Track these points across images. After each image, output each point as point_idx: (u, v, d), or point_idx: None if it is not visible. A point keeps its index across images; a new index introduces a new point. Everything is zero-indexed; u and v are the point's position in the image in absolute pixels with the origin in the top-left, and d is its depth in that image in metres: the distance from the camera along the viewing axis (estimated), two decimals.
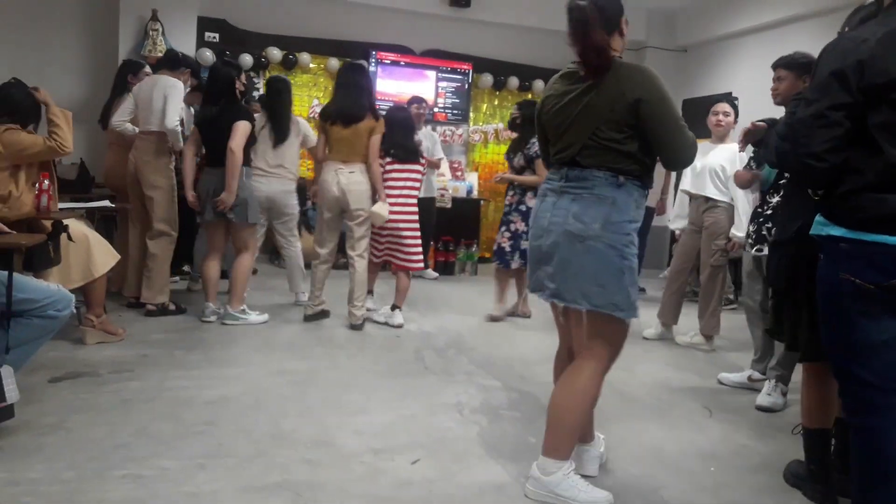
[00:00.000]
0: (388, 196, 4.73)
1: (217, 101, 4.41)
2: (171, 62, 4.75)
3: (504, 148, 8.33)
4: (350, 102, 4.50)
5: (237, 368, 3.57)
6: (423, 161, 4.94)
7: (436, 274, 7.18)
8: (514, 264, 5.07)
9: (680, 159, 2.30)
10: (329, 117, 4.54)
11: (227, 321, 4.48)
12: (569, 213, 2.26)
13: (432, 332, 4.70)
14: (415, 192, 4.85)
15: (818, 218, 2.04)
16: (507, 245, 5.08)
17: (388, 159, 4.80)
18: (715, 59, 8.07)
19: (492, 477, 2.50)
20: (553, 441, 2.32)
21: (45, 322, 2.66)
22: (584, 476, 2.39)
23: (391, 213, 4.68)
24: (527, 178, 5.08)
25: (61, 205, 3.73)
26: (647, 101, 2.18)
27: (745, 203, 4.37)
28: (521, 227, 5.05)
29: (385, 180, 4.72)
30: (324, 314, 4.79)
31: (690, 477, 2.63)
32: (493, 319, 5.14)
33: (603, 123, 2.22)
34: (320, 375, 3.56)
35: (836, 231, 1.95)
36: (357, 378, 3.57)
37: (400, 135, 4.83)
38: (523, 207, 5.05)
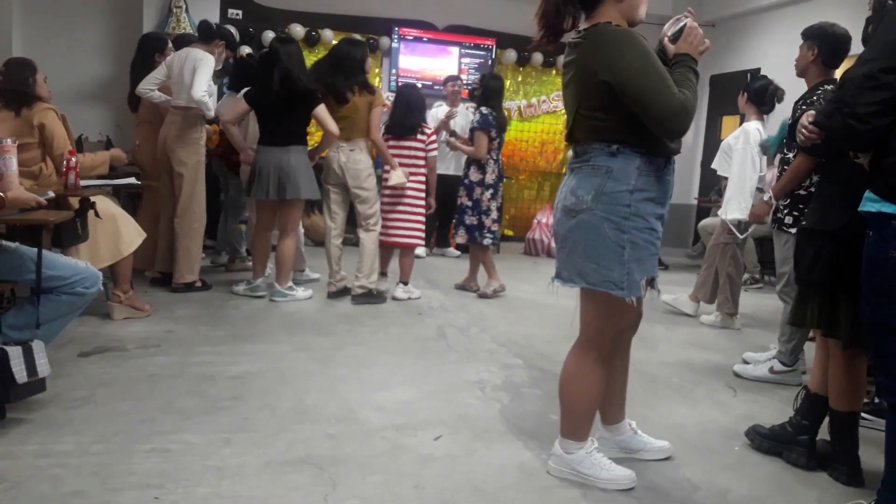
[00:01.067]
0: (386, 172, 4.83)
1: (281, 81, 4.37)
2: (204, 34, 4.68)
3: (527, 125, 8.34)
4: (338, 79, 4.52)
5: (262, 345, 3.61)
6: (424, 136, 4.88)
7: (458, 252, 7.18)
8: (459, 238, 5.16)
9: (665, 129, 2.05)
10: (324, 95, 4.57)
11: (276, 298, 4.56)
12: (568, 188, 2.19)
13: (454, 310, 4.71)
14: (415, 169, 4.84)
15: (868, 194, 1.97)
16: (455, 220, 5.20)
17: (387, 136, 4.85)
18: (744, 34, 7.91)
19: (513, 454, 2.51)
20: (566, 424, 2.32)
21: (73, 298, 2.70)
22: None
23: (386, 188, 4.80)
24: (462, 146, 5.16)
25: (87, 182, 3.77)
26: (615, 83, 2.02)
27: (740, 182, 4.34)
28: (464, 201, 5.13)
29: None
30: (347, 291, 4.80)
31: (713, 456, 2.61)
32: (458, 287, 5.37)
33: (583, 99, 2.13)
34: (343, 352, 3.59)
35: (890, 208, 1.89)
36: (380, 355, 3.59)
37: (399, 111, 4.86)
38: (467, 181, 5.15)
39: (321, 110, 4.39)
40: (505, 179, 7.77)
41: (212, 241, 5.64)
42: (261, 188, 4.47)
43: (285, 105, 4.38)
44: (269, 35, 7.10)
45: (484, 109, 5.07)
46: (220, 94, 5.37)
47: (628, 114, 2.05)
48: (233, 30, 6.88)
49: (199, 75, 4.36)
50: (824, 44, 3.28)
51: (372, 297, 4.69)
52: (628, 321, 2.30)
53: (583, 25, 2.15)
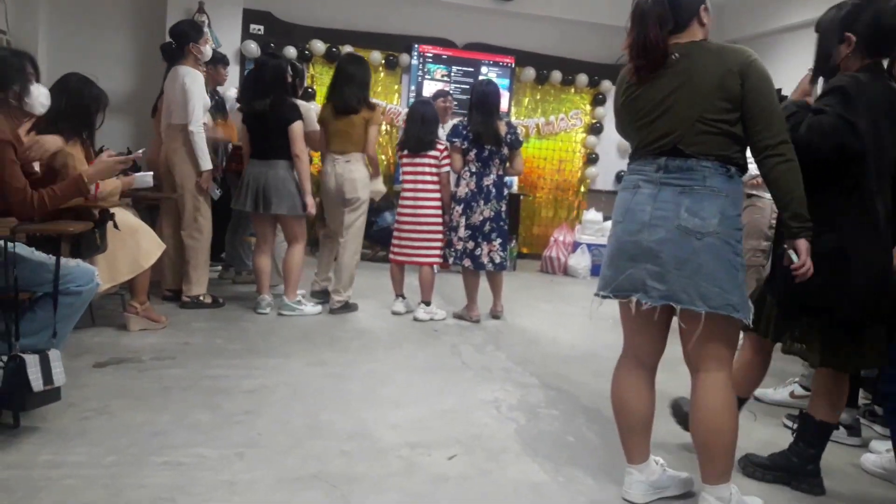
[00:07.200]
0: (403, 189, 4.85)
1: (266, 95, 4.41)
2: (169, 56, 4.55)
3: (546, 143, 8.33)
4: (343, 94, 4.62)
5: (276, 359, 3.60)
6: (437, 151, 4.76)
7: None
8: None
9: (775, 134, 2.07)
10: (325, 108, 4.74)
11: (284, 311, 4.54)
12: (679, 206, 2.09)
13: (470, 328, 4.68)
14: (431, 185, 4.77)
15: None
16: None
17: (404, 152, 4.84)
18: (764, 54, 7.81)
19: (528, 475, 2.47)
20: (721, 465, 2.19)
21: (70, 299, 2.66)
22: (625, 501, 2.33)
23: (407, 206, 4.80)
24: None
25: None
26: (748, 73, 2.06)
27: None
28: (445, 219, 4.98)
29: (402, 174, 4.90)
30: (324, 294, 4.91)
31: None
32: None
33: (711, 104, 2.08)
34: (358, 368, 3.57)
35: None
36: (394, 372, 3.56)
37: (415, 127, 4.81)
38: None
39: (296, 127, 4.40)
40: (523, 197, 7.90)
41: (223, 254, 5.64)
42: (240, 199, 4.53)
43: (267, 119, 4.40)
44: (291, 51, 7.17)
45: (455, 120, 5.01)
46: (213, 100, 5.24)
47: (743, 130, 2.10)
48: (253, 45, 6.95)
49: (191, 100, 4.29)
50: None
51: (348, 307, 4.78)
52: None
53: (676, 41, 2.15)
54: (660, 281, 2.11)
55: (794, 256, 2.15)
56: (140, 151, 2.88)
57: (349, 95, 4.60)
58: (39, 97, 2.73)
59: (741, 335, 2.35)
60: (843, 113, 2.21)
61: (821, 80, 2.75)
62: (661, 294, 2.12)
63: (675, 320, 2.23)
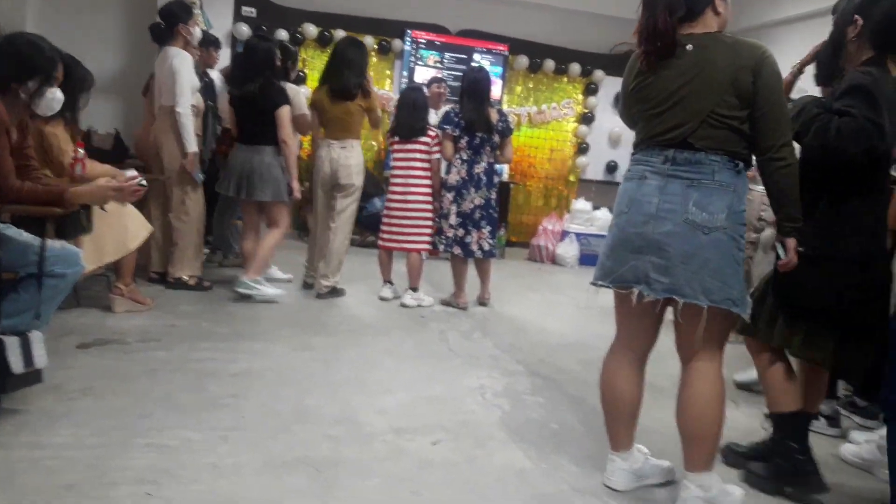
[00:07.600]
0: (394, 175, 4.83)
1: (254, 79, 4.37)
2: (162, 36, 4.51)
3: (537, 132, 8.32)
4: (341, 79, 4.56)
5: (263, 343, 3.59)
6: (429, 137, 4.77)
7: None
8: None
9: (780, 135, 2.08)
10: (319, 91, 4.68)
11: (240, 289, 4.35)
12: (688, 200, 2.07)
13: (457, 315, 4.68)
14: (421, 172, 4.77)
15: None
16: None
17: (395, 139, 4.82)
18: (767, 45, 7.86)
19: (513, 462, 2.48)
20: (708, 454, 2.21)
21: (53, 281, 2.60)
22: (608, 488, 2.33)
23: (397, 192, 4.79)
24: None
25: None
26: (761, 69, 2.05)
27: None
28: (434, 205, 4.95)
29: (393, 160, 4.88)
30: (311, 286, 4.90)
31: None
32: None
33: (722, 99, 2.06)
34: (345, 353, 3.57)
35: None
36: (381, 357, 3.56)
37: (405, 114, 4.79)
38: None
39: (283, 112, 4.36)
40: (513, 185, 7.89)
41: (210, 237, 5.60)
42: (224, 182, 4.52)
43: (256, 103, 4.36)
44: (283, 34, 7.11)
45: (447, 107, 5.01)
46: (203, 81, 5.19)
47: (751, 126, 2.09)
48: (245, 27, 6.89)
49: (179, 81, 4.24)
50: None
51: (336, 292, 4.74)
52: None
53: (690, 31, 2.13)
54: (664, 274, 2.10)
55: (781, 252, 2.18)
56: (143, 180, 2.83)
57: (347, 80, 4.55)
58: (51, 102, 2.66)
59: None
60: (869, 114, 2.14)
61: (804, 76, 2.74)
62: (664, 287, 2.11)
63: (668, 311, 2.24)
